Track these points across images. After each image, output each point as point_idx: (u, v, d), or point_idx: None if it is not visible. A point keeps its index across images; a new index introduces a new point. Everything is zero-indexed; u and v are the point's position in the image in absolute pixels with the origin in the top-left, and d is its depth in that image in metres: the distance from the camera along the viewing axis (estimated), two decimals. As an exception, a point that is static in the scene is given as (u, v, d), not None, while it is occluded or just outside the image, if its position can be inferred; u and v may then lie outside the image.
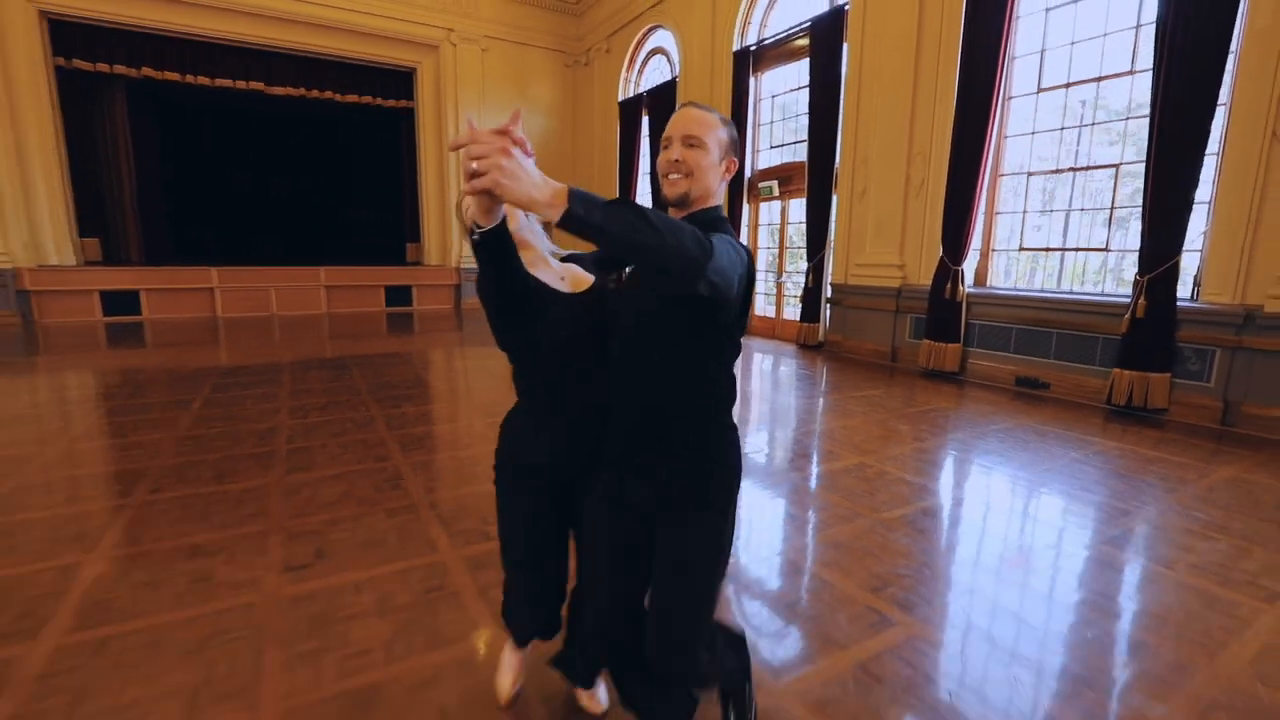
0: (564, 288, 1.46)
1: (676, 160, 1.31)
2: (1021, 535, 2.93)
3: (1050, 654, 2.01)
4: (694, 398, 1.34)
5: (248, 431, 4.19)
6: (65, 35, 10.15)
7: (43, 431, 4.19)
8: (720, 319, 1.28)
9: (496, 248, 1.19)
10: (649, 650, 1.40)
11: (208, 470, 3.45)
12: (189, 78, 11.14)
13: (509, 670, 1.75)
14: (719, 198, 1.40)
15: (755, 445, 4.23)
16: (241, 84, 11.53)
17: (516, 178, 0.98)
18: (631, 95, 12.17)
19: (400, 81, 12.76)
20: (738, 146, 1.41)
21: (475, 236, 1.17)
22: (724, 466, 1.37)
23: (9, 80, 9.49)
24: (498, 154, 0.98)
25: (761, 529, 2.96)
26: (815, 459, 3.99)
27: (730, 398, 1.40)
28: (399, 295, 12.58)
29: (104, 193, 11.33)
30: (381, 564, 2.46)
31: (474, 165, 0.99)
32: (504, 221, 1.16)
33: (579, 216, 1.00)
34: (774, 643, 2.05)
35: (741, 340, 1.38)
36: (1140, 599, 2.39)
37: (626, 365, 1.37)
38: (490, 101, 12.78)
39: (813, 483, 3.56)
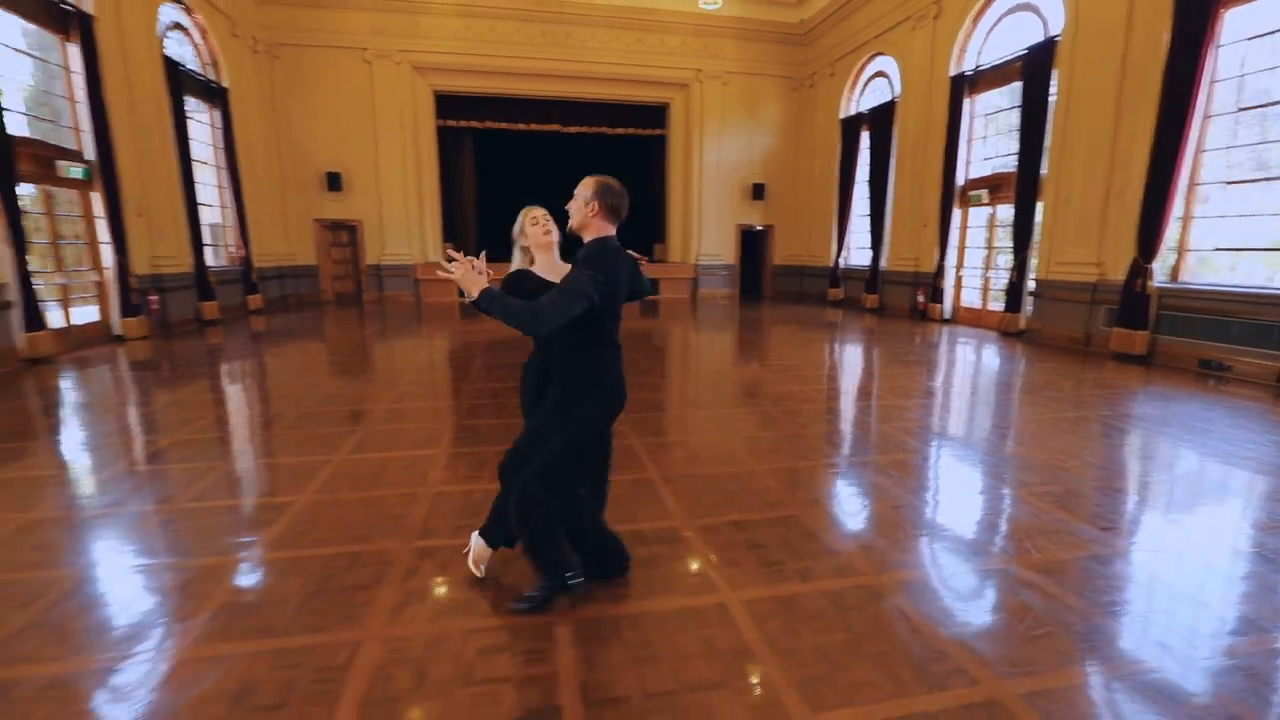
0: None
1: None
2: (1104, 427, 4.61)
3: (1090, 451, 3.87)
4: (569, 361, 2.24)
5: (619, 361, 7.19)
6: (443, 104, 14.84)
7: (524, 351, 7.60)
8: (590, 322, 2.12)
9: (496, 299, 2.00)
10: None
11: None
12: (514, 125, 15.42)
13: None
14: (597, 230, 2.23)
15: (960, 386, 6.17)
16: (546, 127, 15.57)
17: (471, 282, 1.97)
18: (852, 114, 13.95)
19: (656, 115, 15.96)
20: (603, 195, 2.21)
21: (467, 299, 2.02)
22: (572, 391, 2.24)
23: (419, 140, 14.32)
24: (468, 270, 2.00)
25: (963, 424, 5.02)
26: (989, 395, 5.84)
27: (588, 363, 2.23)
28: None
29: (455, 210, 16.12)
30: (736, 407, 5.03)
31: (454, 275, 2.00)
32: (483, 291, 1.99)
33: (479, 303, 1.95)
34: (977, 449, 4.21)
35: (614, 335, 2.26)
36: (1121, 456, 4.06)
37: (548, 340, 2.31)
38: (728, 123, 15.44)
39: (989, 406, 5.47)
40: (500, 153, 16.84)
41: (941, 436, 4.53)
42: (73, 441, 4.43)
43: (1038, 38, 9.21)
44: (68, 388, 6.06)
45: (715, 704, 1.83)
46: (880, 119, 12.71)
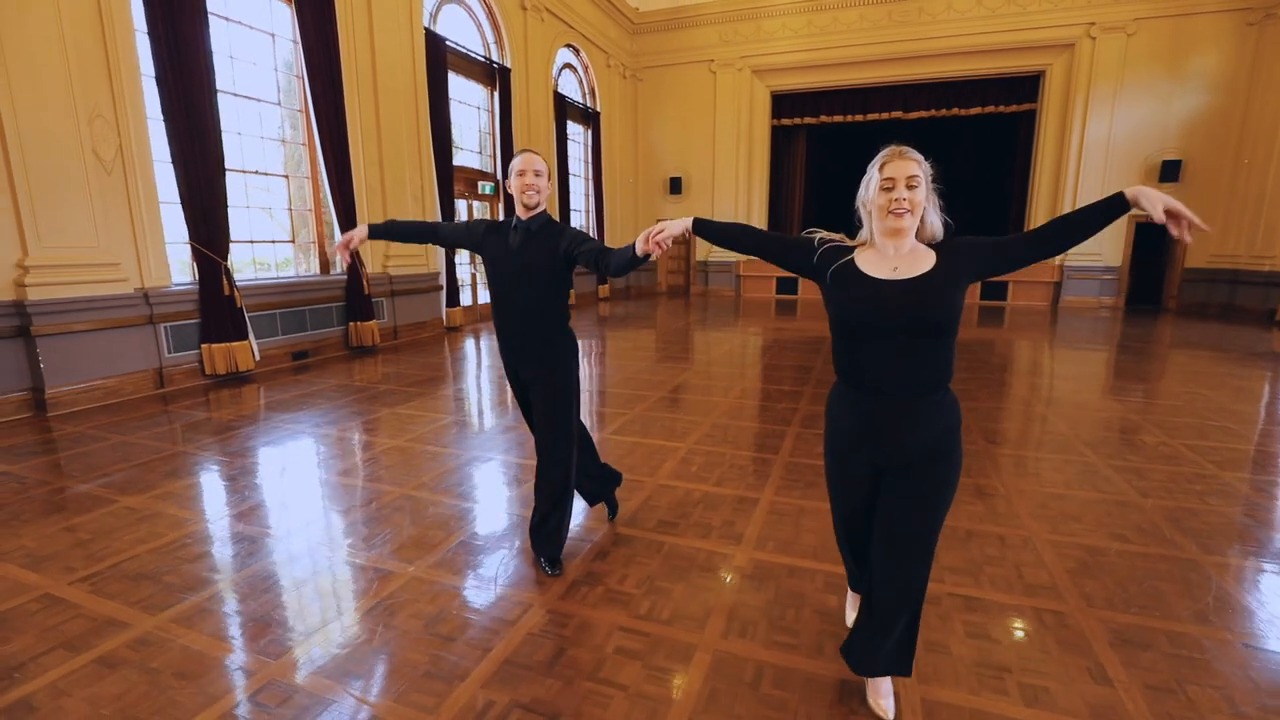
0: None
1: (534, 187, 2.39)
2: None
3: None
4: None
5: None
6: (778, 104, 15.10)
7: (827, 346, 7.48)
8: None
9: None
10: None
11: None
12: (849, 117, 14.83)
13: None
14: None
15: None
16: (885, 115, 14.55)
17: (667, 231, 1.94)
18: (1355, 48, 9.54)
19: (1023, 87, 13.46)
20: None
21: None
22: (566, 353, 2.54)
23: (752, 142, 14.94)
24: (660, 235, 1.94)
25: None
26: None
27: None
28: (994, 290, 13.60)
29: (781, 207, 16.34)
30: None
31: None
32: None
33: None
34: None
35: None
36: None
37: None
38: (1129, 88, 12.16)
39: None
40: (832, 146, 16.46)
41: None
42: (470, 386, 6.28)
43: None
44: (470, 348, 8.34)
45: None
46: None
